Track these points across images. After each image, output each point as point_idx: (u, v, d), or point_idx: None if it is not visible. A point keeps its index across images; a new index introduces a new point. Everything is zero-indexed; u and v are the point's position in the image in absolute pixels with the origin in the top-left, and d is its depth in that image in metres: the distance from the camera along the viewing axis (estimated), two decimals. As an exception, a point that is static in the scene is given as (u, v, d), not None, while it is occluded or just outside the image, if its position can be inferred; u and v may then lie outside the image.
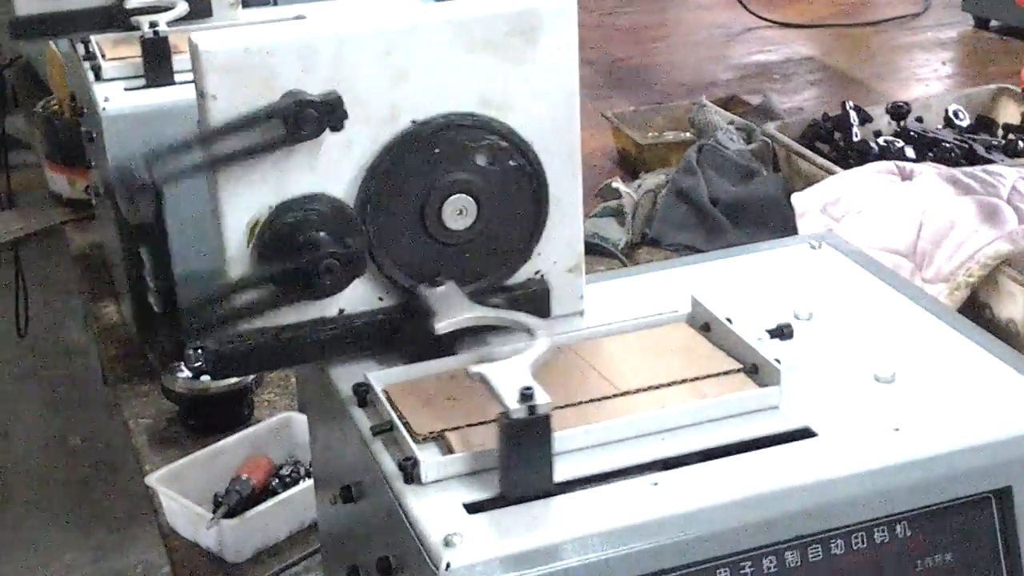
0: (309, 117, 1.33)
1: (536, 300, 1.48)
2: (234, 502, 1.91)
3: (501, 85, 1.41)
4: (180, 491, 1.94)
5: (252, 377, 2.20)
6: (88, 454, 4.59)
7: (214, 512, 1.89)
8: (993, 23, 4.78)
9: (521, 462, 1.19)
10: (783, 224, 2.71)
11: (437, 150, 1.40)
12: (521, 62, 1.41)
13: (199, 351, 1.37)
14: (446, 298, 1.39)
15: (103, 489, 4.38)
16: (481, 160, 1.41)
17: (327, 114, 1.34)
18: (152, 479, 1.97)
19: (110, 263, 2.72)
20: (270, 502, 1.91)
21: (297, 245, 1.37)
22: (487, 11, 1.39)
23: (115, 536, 4.18)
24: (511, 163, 1.42)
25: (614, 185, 2.97)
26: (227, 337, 1.38)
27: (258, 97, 1.33)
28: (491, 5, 1.40)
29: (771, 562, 1.19)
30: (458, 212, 1.42)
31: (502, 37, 1.40)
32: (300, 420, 2.09)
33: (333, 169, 1.38)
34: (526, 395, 1.17)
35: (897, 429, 1.28)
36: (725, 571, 1.18)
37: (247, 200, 1.37)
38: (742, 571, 1.18)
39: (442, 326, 1.35)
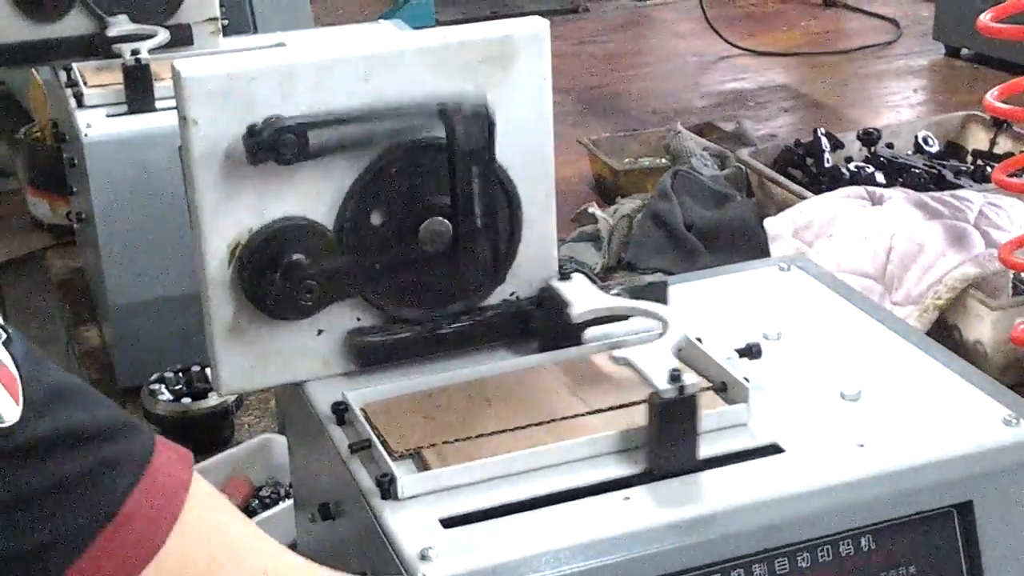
0: (288, 142, 1.36)
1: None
2: (214, 522, 1.93)
3: (476, 111, 1.44)
4: (160, 512, 1.96)
5: (232, 399, 2.22)
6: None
7: (194, 533, 1.91)
8: (964, 51, 4.85)
9: (670, 439, 1.26)
10: (756, 248, 2.75)
11: (413, 174, 1.43)
12: (496, 88, 1.44)
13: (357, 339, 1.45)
14: (577, 288, 1.47)
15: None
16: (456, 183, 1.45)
17: (305, 138, 1.37)
18: (132, 500, 1.98)
19: (92, 288, 2.74)
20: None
21: (277, 267, 1.40)
22: (462, 38, 1.43)
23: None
24: (486, 187, 1.46)
25: (590, 210, 3.01)
26: (378, 330, 1.46)
27: (239, 122, 1.36)
28: (466, 32, 1.44)
29: (739, 574, 1.22)
30: (434, 234, 1.45)
31: (477, 64, 1.43)
32: (280, 442, 2.11)
33: (312, 192, 1.41)
34: (675, 376, 1.24)
35: (862, 445, 1.31)
36: (694, 583, 1.21)
37: (227, 222, 1.40)
38: (711, 583, 1.21)
39: (579, 314, 1.43)
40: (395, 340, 1.46)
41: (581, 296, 1.45)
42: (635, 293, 1.50)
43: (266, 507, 2.01)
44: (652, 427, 1.26)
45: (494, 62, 1.44)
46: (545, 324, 1.49)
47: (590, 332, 1.48)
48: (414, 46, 1.42)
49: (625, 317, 1.47)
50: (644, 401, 1.29)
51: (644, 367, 1.27)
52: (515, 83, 1.45)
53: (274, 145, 1.36)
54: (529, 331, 1.50)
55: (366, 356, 1.46)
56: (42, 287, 3.22)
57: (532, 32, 1.45)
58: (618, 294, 1.48)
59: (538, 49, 1.45)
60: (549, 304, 1.49)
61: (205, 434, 2.23)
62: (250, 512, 2.00)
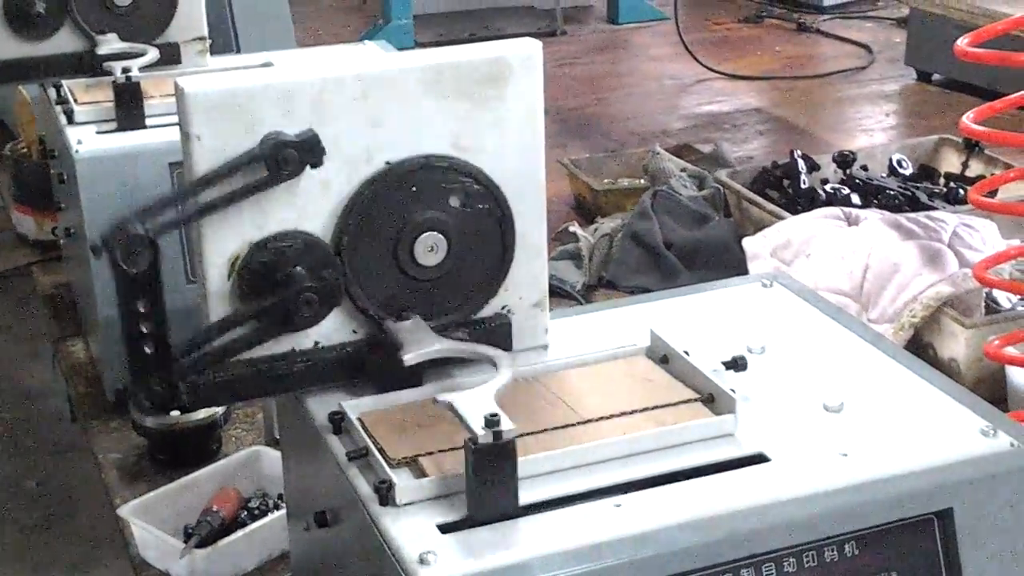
0: (289, 157, 1.39)
1: (498, 334, 1.55)
2: (205, 533, 1.96)
3: (471, 129, 1.48)
4: (151, 523, 1.98)
5: (221, 412, 2.25)
6: (45, 497, 4.57)
7: (185, 543, 1.93)
8: (935, 77, 4.93)
9: (488, 485, 1.25)
10: (734, 267, 2.79)
11: (410, 190, 1.47)
12: (490, 107, 1.49)
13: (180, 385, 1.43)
14: (413, 331, 1.46)
15: (59, 532, 4.37)
16: (452, 200, 1.49)
17: (306, 152, 1.41)
18: (124, 511, 2.01)
19: (78, 302, 2.76)
20: (240, 532, 1.96)
21: (276, 280, 1.43)
22: (458, 59, 1.47)
23: (71, 579, 4.17)
24: (480, 203, 1.50)
25: (571, 229, 3.05)
26: (206, 369, 1.44)
27: (240, 138, 1.40)
28: (462, 53, 1.48)
29: (727, 579, 1.26)
30: (429, 249, 1.48)
31: (472, 84, 1.47)
32: (268, 454, 2.14)
33: (310, 207, 1.45)
34: (491, 421, 1.24)
35: (845, 455, 1.35)
36: (684, 587, 1.24)
37: (228, 237, 1.43)
38: (701, 587, 1.25)
39: (410, 358, 1.42)
40: (226, 381, 1.45)
41: (414, 339, 1.44)
42: (477, 336, 1.50)
43: (255, 518, 2.03)
44: (469, 473, 1.25)
45: (488, 82, 1.48)
46: (382, 366, 1.47)
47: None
48: (412, 66, 1.46)
49: (461, 360, 1.46)
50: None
51: (465, 411, 1.26)
52: (508, 102, 1.49)
53: (276, 161, 1.39)
54: (366, 372, 1.49)
55: (198, 397, 1.45)
56: (27, 302, 3.23)
57: (525, 53, 1.49)
58: (460, 337, 1.48)
59: (531, 70, 1.50)
60: (384, 345, 1.47)
61: (193, 447, 2.25)
62: (239, 523, 2.03)
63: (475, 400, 1.28)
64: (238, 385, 1.47)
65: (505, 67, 1.49)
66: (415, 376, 1.47)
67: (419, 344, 1.43)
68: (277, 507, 2.05)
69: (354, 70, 1.44)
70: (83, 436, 2.43)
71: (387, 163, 1.46)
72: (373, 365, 1.49)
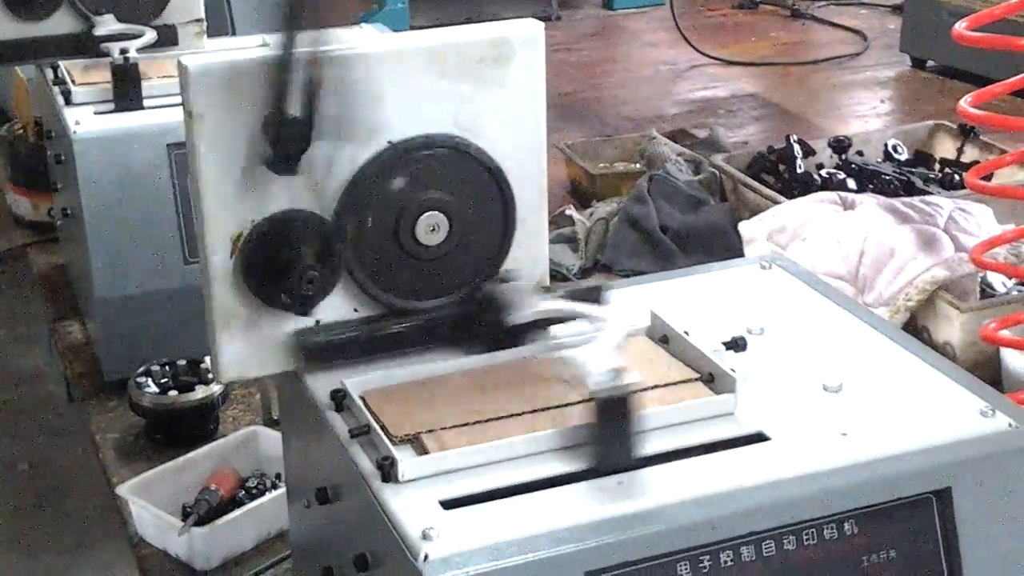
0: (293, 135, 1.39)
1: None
2: (203, 511, 1.96)
3: (473, 109, 1.49)
4: (149, 501, 1.99)
5: (218, 392, 2.25)
6: (36, 480, 4.58)
7: (183, 521, 1.94)
8: (930, 63, 4.93)
9: (608, 436, 1.28)
10: (730, 251, 2.80)
11: (412, 169, 1.47)
12: (492, 88, 1.49)
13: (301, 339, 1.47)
14: (516, 292, 1.48)
15: (53, 514, 4.38)
16: (453, 179, 1.49)
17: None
18: (123, 489, 2.01)
19: (75, 283, 2.76)
20: (239, 511, 1.97)
21: (278, 258, 1.43)
22: (461, 39, 1.48)
23: (64, 560, 4.17)
24: (482, 183, 1.50)
25: (567, 213, 3.06)
26: (322, 331, 1.48)
27: (243, 117, 1.40)
28: (464, 33, 1.49)
29: (728, 556, 1.27)
30: (431, 228, 1.49)
31: (475, 64, 1.48)
32: (266, 434, 2.15)
33: (313, 185, 1.45)
34: (614, 374, 1.27)
35: (844, 434, 1.36)
36: (685, 564, 1.25)
37: (231, 214, 1.43)
38: (701, 564, 1.26)
39: (518, 318, 1.44)
40: (338, 341, 1.48)
41: (520, 300, 1.46)
42: (574, 297, 1.50)
43: (253, 497, 2.04)
44: (592, 424, 1.28)
45: (491, 63, 1.48)
46: (486, 327, 1.49)
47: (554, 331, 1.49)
48: (414, 46, 1.46)
49: (564, 320, 1.47)
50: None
51: (586, 366, 1.29)
52: (511, 83, 1.50)
53: (277, 139, 1.39)
54: (471, 334, 1.50)
55: (310, 355, 1.48)
56: (24, 283, 3.23)
57: (528, 35, 1.50)
58: (560, 297, 1.49)
59: (534, 50, 1.50)
60: (489, 308, 1.48)
61: (191, 426, 2.26)
62: (237, 503, 2.03)
63: (596, 355, 1.31)
64: (359, 344, 1.50)
65: (507, 48, 1.49)
66: (518, 338, 1.48)
67: (525, 305, 1.45)
68: (275, 486, 2.06)
69: (357, 49, 1.44)
70: (80, 416, 2.43)
71: (389, 142, 1.46)
72: (478, 327, 1.50)
